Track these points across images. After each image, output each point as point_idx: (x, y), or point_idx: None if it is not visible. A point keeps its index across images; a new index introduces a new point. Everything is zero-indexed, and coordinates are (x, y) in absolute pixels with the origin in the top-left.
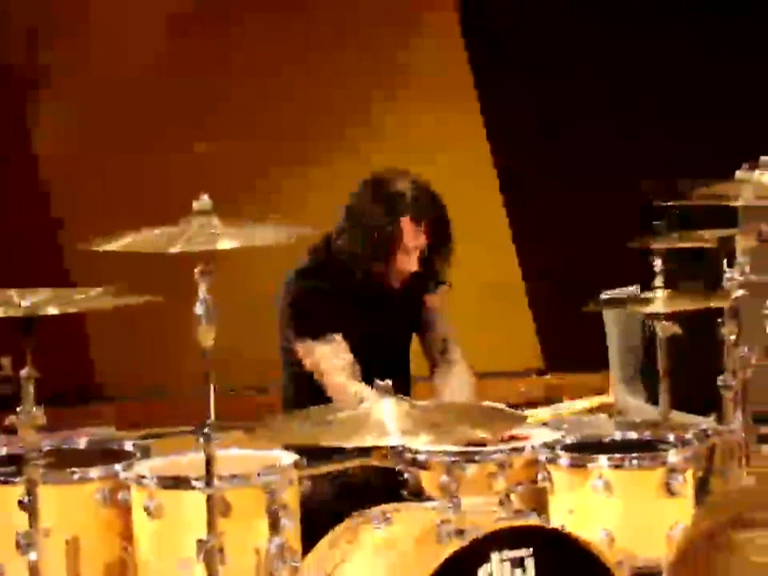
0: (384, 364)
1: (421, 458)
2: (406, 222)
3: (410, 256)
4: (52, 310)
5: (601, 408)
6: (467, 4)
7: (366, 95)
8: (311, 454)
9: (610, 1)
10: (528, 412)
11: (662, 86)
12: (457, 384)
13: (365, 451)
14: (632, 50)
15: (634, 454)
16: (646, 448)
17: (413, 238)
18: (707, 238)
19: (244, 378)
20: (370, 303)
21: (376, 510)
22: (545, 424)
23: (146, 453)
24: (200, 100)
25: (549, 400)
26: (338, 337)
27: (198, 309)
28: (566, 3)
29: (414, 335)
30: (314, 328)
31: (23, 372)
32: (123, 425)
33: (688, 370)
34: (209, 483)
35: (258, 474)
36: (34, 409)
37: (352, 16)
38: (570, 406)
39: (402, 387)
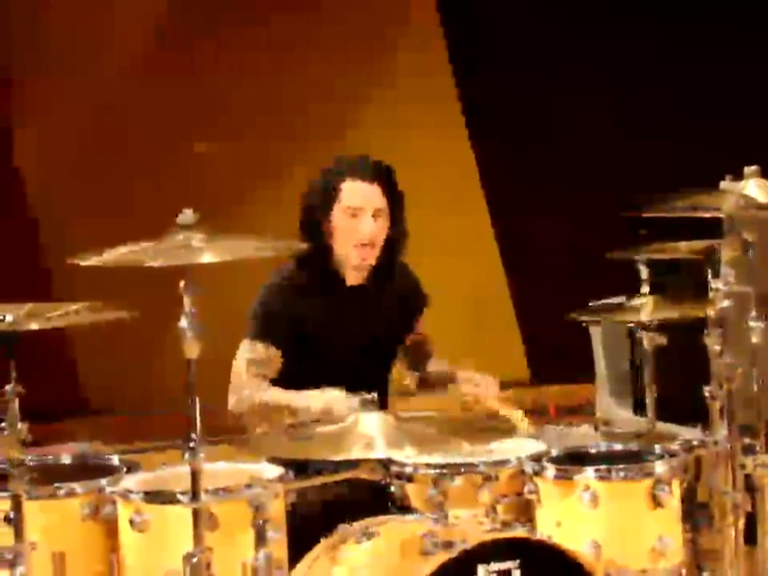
0: (360, 372)
1: (407, 470)
2: (348, 183)
3: (359, 219)
4: (34, 326)
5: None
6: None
7: (340, 112)
8: (297, 467)
9: (597, 4)
10: None
11: (645, 98)
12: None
13: (351, 464)
14: (616, 59)
15: (620, 466)
16: (633, 459)
17: (358, 198)
18: (689, 248)
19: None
20: (338, 303)
21: (362, 524)
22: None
23: (131, 467)
24: (190, 114)
25: (535, 411)
26: (262, 346)
27: (183, 322)
28: (549, 4)
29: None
30: (255, 331)
31: (7, 388)
32: (109, 440)
33: (675, 380)
34: (195, 497)
35: (244, 488)
36: (19, 425)
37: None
38: None
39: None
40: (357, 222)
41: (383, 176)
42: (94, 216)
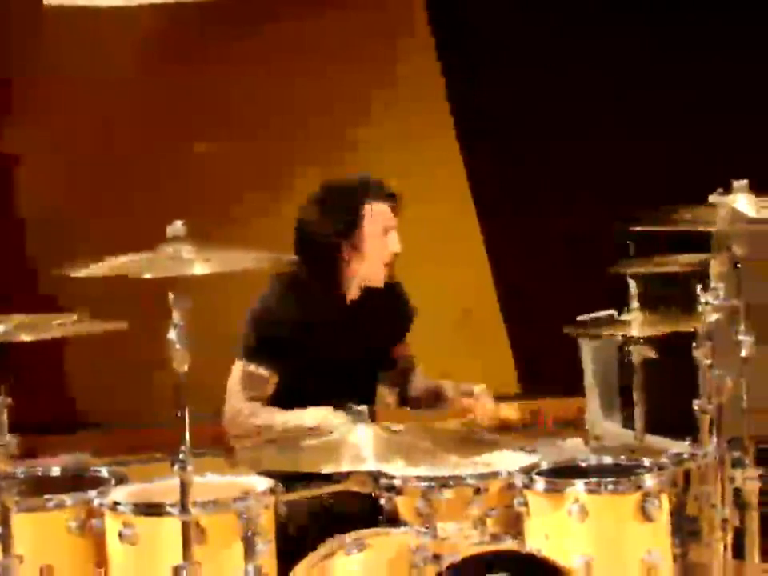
0: (352, 385)
1: (396, 483)
2: (368, 206)
3: (389, 236)
4: (25, 337)
5: None
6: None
7: (344, 118)
8: (287, 479)
9: (590, 5)
10: None
11: (642, 99)
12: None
13: (341, 477)
14: (612, 60)
15: (609, 479)
16: (622, 472)
17: (386, 217)
18: (681, 262)
19: (219, 404)
20: (333, 320)
21: (351, 536)
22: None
23: (120, 480)
24: (190, 118)
25: (525, 425)
26: (256, 368)
27: (172, 334)
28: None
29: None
30: (248, 353)
31: None
32: (99, 452)
33: (665, 394)
34: (184, 509)
35: (234, 500)
36: (8, 437)
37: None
38: None
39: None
40: (386, 240)
41: (394, 196)
42: (93, 217)
